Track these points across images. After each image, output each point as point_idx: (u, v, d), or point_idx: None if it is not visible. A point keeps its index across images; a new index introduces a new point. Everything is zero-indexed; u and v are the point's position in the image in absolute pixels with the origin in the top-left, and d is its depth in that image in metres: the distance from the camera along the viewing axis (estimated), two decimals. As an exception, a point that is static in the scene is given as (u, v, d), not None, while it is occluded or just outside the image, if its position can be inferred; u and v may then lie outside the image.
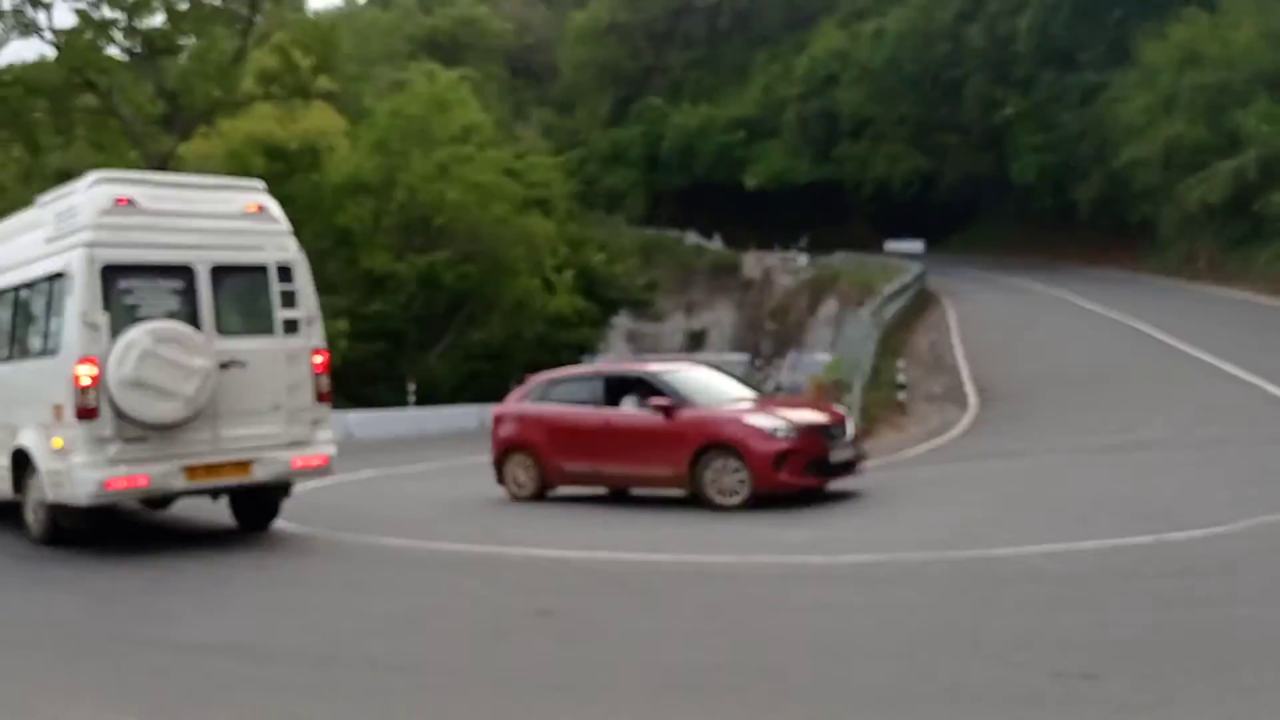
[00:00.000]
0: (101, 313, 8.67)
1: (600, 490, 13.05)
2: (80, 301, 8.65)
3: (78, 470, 8.69)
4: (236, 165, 31.01)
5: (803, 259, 61.25)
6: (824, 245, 65.55)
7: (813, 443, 11.54)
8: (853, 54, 61.54)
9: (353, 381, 30.72)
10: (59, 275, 9.00)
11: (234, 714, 5.21)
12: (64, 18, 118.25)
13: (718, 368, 15.14)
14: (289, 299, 9.65)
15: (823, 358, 43.34)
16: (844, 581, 7.86)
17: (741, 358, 63.46)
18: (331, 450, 9.92)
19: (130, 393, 8.60)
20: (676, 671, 5.66)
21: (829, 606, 7.02)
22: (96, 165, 30.53)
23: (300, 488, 10.79)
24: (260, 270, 9.58)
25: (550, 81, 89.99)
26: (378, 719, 5.07)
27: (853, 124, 62.46)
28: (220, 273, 9.33)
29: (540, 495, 13.02)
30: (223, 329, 9.26)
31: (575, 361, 50.78)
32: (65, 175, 31.84)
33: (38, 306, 9.56)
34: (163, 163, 31.48)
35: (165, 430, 8.87)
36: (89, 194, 9.12)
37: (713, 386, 12.91)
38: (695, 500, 11.62)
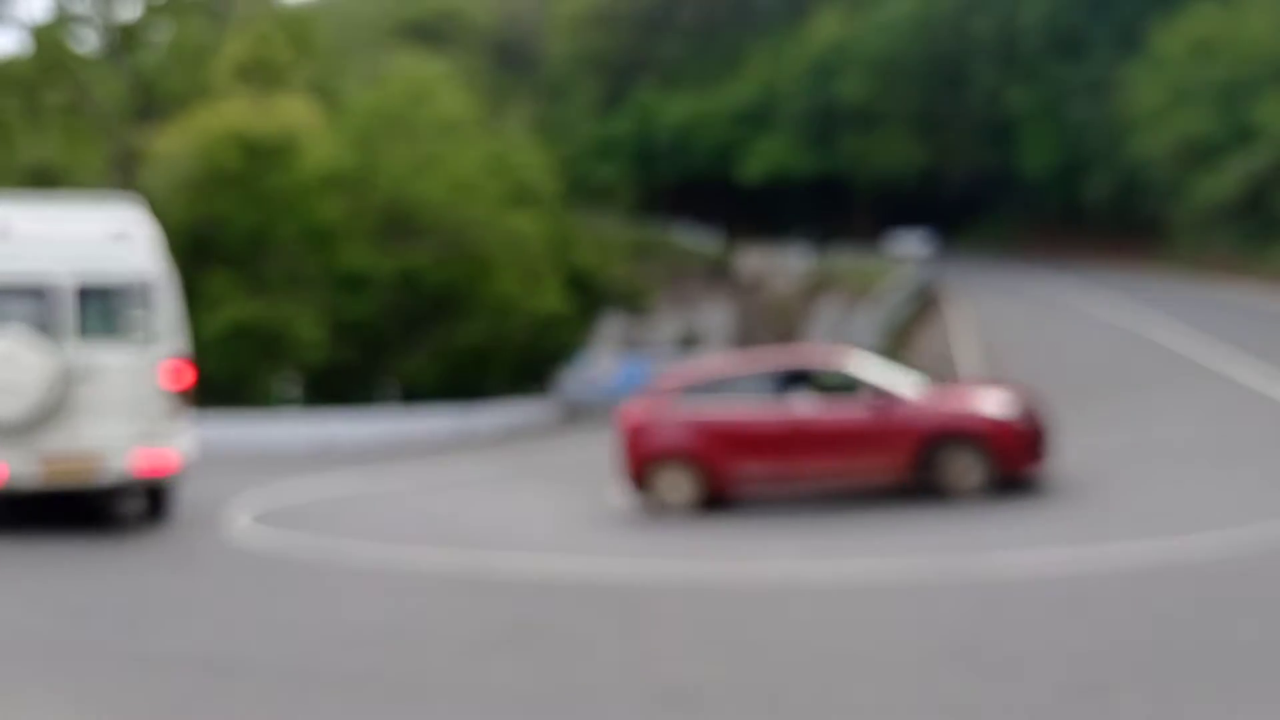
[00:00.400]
0: None
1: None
2: None
3: None
4: (210, 159, 30.93)
5: (801, 256, 61.34)
6: (824, 241, 65.70)
7: (1033, 424, 11.94)
8: (854, 44, 61.61)
9: (332, 383, 30.68)
10: None
11: (206, 732, 5.22)
12: (38, 10, 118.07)
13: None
14: (144, 312, 10.73)
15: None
16: (842, 594, 7.87)
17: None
18: (182, 450, 10.96)
19: None
20: (664, 687, 5.66)
21: (827, 621, 7.03)
22: (70, 159, 30.67)
23: (282, 499, 10.83)
24: (119, 286, 10.71)
25: (537, 72, 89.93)
26: (356, 737, 5.08)
27: (854, 116, 62.49)
28: (83, 289, 10.55)
29: (706, 505, 12.24)
30: (83, 339, 10.48)
31: (563, 363, 50.98)
32: (38, 169, 31.89)
33: None
34: (136, 155, 31.46)
35: (19, 427, 10.06)
36: None
37: (884, 373, 12.89)
38: (923, 490, 11.62)
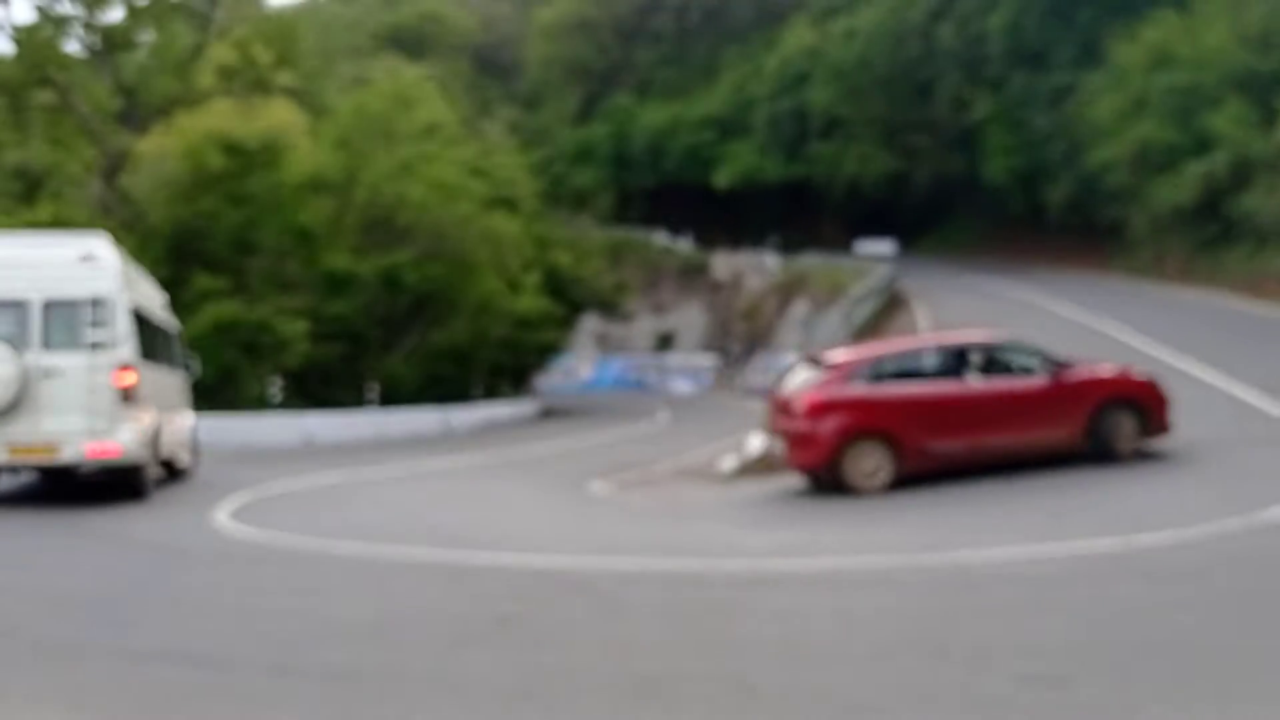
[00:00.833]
0: None
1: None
2: None
3: None
4: (194, 162, 30.69)
5: (773, 259, 61.53)
6: (794, 245, 65.91)
7: (1162, 394, 12.90)
8: (823, 52, 61.84)
9: (313, 383, 30.52)
10: None
11: (188, 725, 5.17)
12: (22, 13, 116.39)
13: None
14: (98, 325, 12.35)
15: (793, 359, 43.59)
16: (812, 586, 7.90)
17: (711, 359, 63.72)
18: (124, 442, 12.44)
19: None
20: (642, 679, 5.66)
21: (797, 612, 7.04)
22: (54, 162, 30.35)
23: (264, 493, 10.78)
24: (79, 302, 12.35)
25: (517, 78, 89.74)
26: (337, 729, 5.05)
27: (823, 123, 62.75)
28: (50, 305, 12.30)
29: (897, 483, 12.27)
30: (47, 346, 12.22)
31: (542, 364, 50.94)
32: (22, 172, 31.54)
33: None
34: (120, 159, 31.16)
35: None
36: None
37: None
38: (1093, 456, 12.39)
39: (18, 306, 12.20)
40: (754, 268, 63.62)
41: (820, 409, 12.40)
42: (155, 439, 13.53)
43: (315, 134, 36.86)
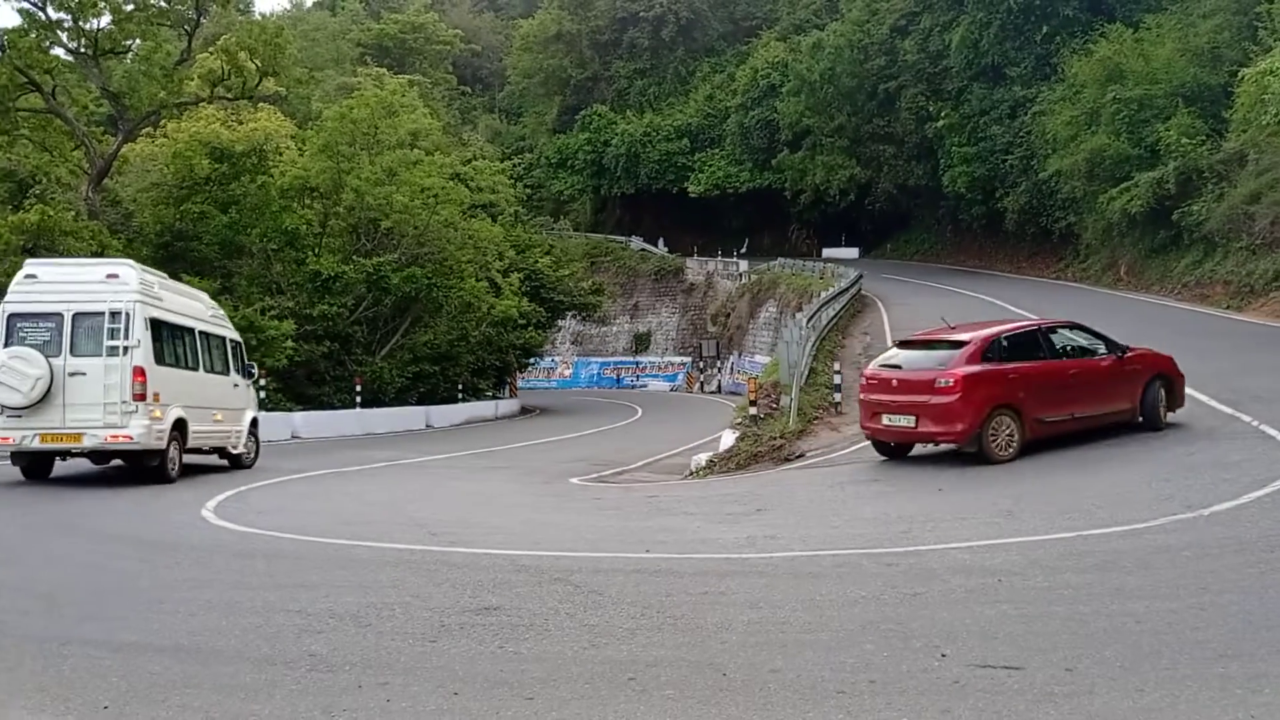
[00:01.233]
0: (2, 344, 13.96)
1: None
2: None
3: None
4: (181, 166, 30.47)
5: (743, 264, 61.66)
6: (764, 251, 66.09)
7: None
8: (792, 66, 62.01)
9: (299, 382, 30.35)
10: None
11: (174, 714, 5.12)
12: (8, 18, 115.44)
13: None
14: (115, 333, 14.02)
15: (762, 360, 43.71)
16: (780, 577, 7.92)
17: (684, 359, 63.84)
18: (135, 432, 14.00)
19: None
20: (617, 665, 5.66)
21: (766, 602, 7.06)
22: (40, 166, 30.03)
23: (249, 488, 10.67)
24: (103, 314, 14.07)
25: (497, 88, 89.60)
26: (319, 718, 5.01)
27: (792, 134, 62.92)
28: (77, 316, 14.09)
29: (1021, 453, 12.99)
30: (75, 352, 14.01)
31: (522, 363, 50.84)
32: (8, 175, 31.19)
33: None
34: (108, 164, 30.86)
35: (20, 411, 13.83)
36: (18, 274, 14.77)
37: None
38: (1142, 425, 13.92)
39: (53, 318, 14.11)
40: (725, 272, 63.74)
41: (967, 384, 12.94)
42: (175, 431, 14.86)
43: (301, 140, 36.68)
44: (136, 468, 14.65)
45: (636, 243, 71.81)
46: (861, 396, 14.48)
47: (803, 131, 62.11)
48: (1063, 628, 6.00)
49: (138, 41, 32.08)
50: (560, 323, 59.35)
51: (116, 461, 15.04)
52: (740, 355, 54.85)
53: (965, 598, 6.84)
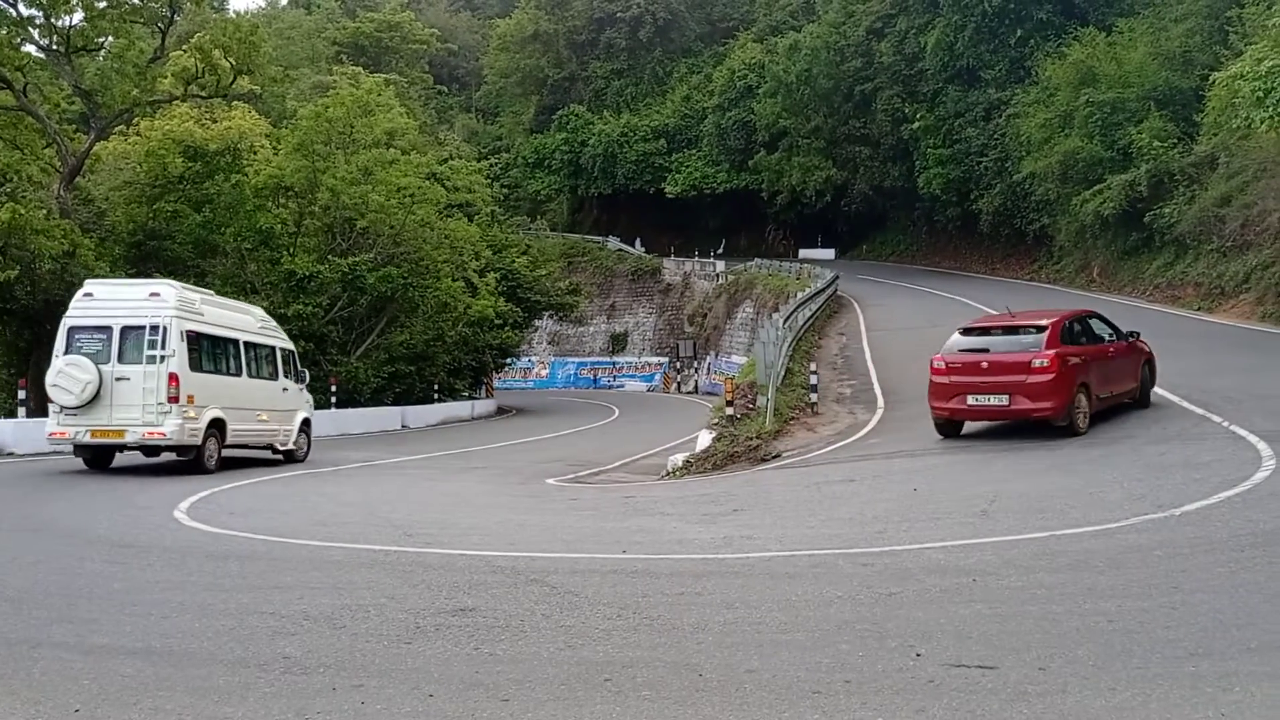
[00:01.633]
0: (63, 351, 16.14)
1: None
2: (58, 345, 16.33)
3: (46, 426, 16.55)
4: (154, 165, 30.20)
5: (720, 265, 61.78)
6: (741, 252, 66.27)
7: None
8: (769, 67, 62.20)
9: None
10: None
11: (146, 717, 5.07)
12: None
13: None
14: (154, 343, 15.94)
15: (739, 360, 43.81)
16: (756, 577, 7.93)
17: (661, 360, 63.88)
18: (169, 430, 15.89)
19: (54, 389, 15.96)
20: (593, 666, 5.65)
21: (742, 602, 7.07)
22: (11, 164, 29.65)
23: (222, 489, 10.56)
24: (144, 328, 15.98)
25: (474, 88, 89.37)
26: (293, 720, 4.98)
27: (768, 135, 63.11)
28: (125, 329, 16.06)
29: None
30: (121, 360, 15.99)
31: (500, 365, 50.73)
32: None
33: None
34: (80, 162, 30.53)
35: (75, 410, 15.87)
36: (79, 293, 16.92)
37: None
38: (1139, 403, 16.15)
39: (104, 330, 16.10)
40: (701, 273, 63.83)
41: (1059, 363, 14.43)
42: (212, 429, 16.79)
43: (276, 139, 36.45)
44: (182, 460, 16.74)
45: (613, 243, 71.84)
46: (937, 380, 15.44)
47: (779, 133, 62.31)
48: (1036, 627, 6.04)
49: (110, 39, 31.70)
50: (537, 323, 59.28)
51: (168, 455, 17.04)
52: (717, 356, 54.96)
53: (940, 597, 6.87)
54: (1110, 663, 5.33)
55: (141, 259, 30.05)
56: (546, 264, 54.34)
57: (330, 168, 32.56)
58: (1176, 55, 37.36)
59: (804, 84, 58.25)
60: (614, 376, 65.03)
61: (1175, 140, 34.93)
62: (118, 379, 15.89)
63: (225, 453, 17.37)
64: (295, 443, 19.75)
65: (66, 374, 15.84)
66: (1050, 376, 14.35)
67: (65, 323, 16.39)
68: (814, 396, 21.63)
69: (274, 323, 20.32)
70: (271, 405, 18.89)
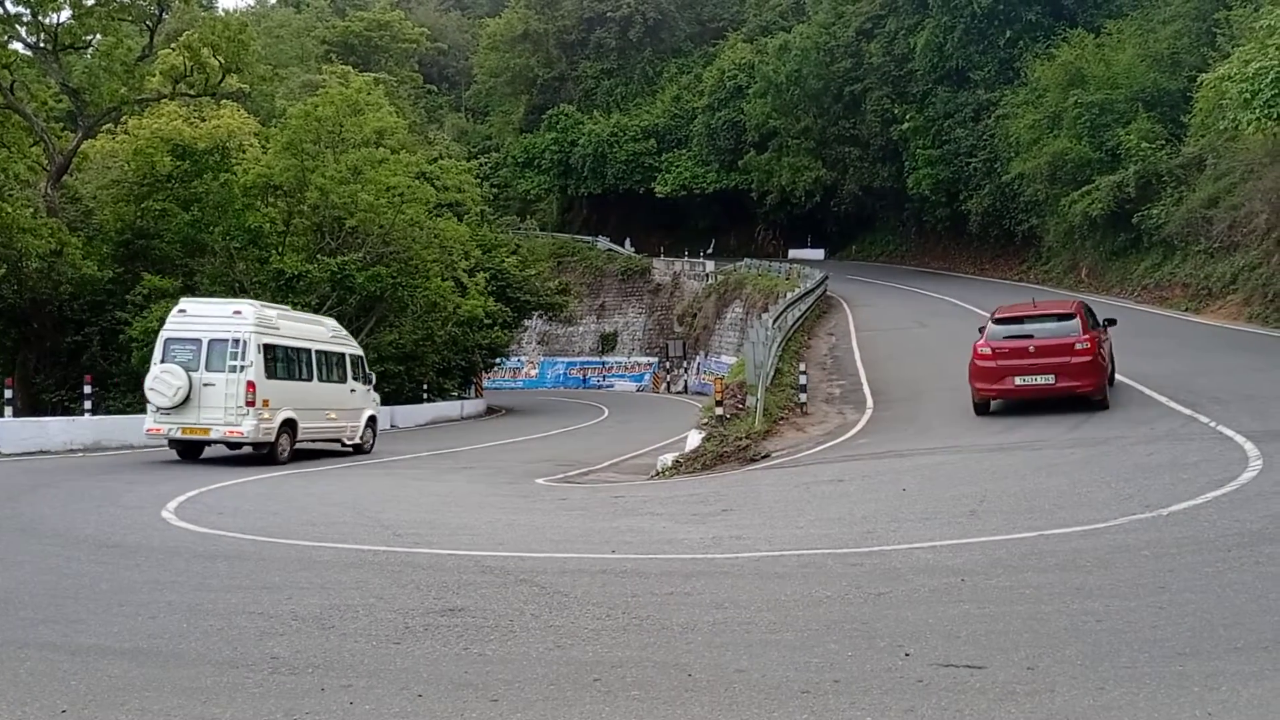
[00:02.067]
0: (159, 359, 18.46)
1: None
2: (156, 354, 18.68)
3: (144, 424, 18.79)
4: (142, 163, 30.07)
5: (710, 265, 61.79)
6: (730, 252, 66.29)
7: None
8: (759, 67, 62.22)
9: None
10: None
11: (134, 717, 5.06)
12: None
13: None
14: (236, 354, 18.20)
15: (728, 360, 43.82)
16: (745, 577, 7.94)
17: (651, 360, 63.88)
18: (245, 429, 18.13)
19: (151, 392, 18.22)
20: (582, 666, 5.65)
21: (731, 602, 7.08)
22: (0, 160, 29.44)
23: (211, 488, 10.49)
24: (227, 341, 18.25)
25: (464, 87, 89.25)
26: (282, 720, 4.97)
27: (758, 135, 63.12)
28: (211, 342, 18.30)
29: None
30: (208, 368, 18.22)
31: (489, 365, 50.66)
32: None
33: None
34: (68, 160, 30.39)
35: (169, 410, 18.11)
36: (174, 309, 19.32)
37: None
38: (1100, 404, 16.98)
39: (195, 342, 18.37)
40: (691, 273, 63.84)
41: (1096, 346, 16.59)
42: (285, 427, 18.99)
43: (265, 138, 36.30)
44: (259, 453, 18.82)
45: (603, 243, 71.79)
46: (983, 365, 17.12)
47: (769, 133, 62.34)
48: (1024, 627, 6.06)
49: (98, 37, 31.59)
50: (526, 323, 59.19)
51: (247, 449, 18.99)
52: (706, 356, 54.98)
53: (929, 597, 6.89)
54: (1098, 662, 5.35)
55: (129, 258, 29.90)
56: (536, 264, 54.24)
57: (319, 167, 32.41)
58: (1164, 57, 37.51)
59: (794, 84, 58.28)
60: (603, 376, 64.99)
61: (1163, 141, 35.08)
62: (205, 384, 18.19)
63: (299, 446, 19.77)
64: (361, 437, 22.09)
65: (162, 379, 18.12)
66: (1090, 358, 16.42)
67: (162, 335, 18.80)
68: (803, 396, 21.66)
69: (345, 332, 22.97)
70: (340, 405, 21.32)
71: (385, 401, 34.46)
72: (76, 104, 31.34)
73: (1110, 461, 12.39)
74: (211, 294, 29.21)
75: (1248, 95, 21.80)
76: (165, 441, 18.82)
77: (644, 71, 75.05)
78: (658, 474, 17.03)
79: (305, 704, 5.15)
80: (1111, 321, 18.37)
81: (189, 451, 19.10)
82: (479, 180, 50.26)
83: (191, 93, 32.85)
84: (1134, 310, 31.54)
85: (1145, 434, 14.09)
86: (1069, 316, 17.22)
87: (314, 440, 20.54)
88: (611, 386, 62.98)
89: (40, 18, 30.19)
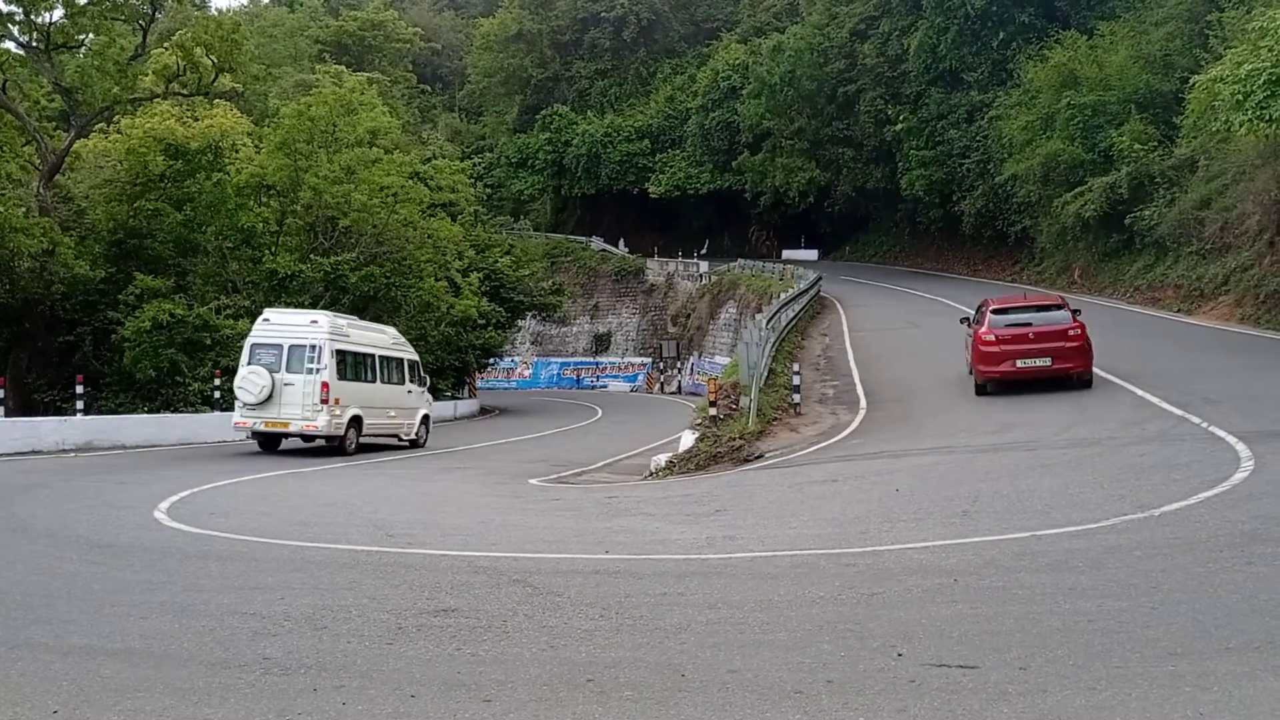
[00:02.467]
0: (246, 362, 20.81)
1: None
2: (243, 357, 21.04)
3: (232, 418, 21.33)
4: (135, 162, 29.98)
5: (704, 265, 61.80)
6: (724, 253, 66.32)
7: None
8: (752, 68, 62.26)
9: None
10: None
11: (126, 718, 5.05)
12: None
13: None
14: (312, 359, 20.58)
15: (722, 361, 43.84)
16: (739, 577, 7.94)
17: (645, 360, 63.87)
18: (319, 424, 20.48)
19: (239, 390, 20.56)
20: (575, 666, 5.65)
21: (724, 602, 7.08)
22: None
23: (203, 489, 10.48)
24: (305, 347, 20.63)
25: (458, 87, 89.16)
26: (274, 721, 4.96)
27: (752, 136, 63.15)
28: (291, 347, 20.66)
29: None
30: (289, 370, 20.49)
31: (483, 365, 50.60)
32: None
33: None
34: (60, 160, 30.29)
35: (254, 406, 20.41)
36: (259, 318, 21.73)
37: None
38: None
39: (277, 347, 20.73)
40: (685, 273, 63.85)
41: (1084, 332, 18.90)
42: (351, 424, 21.27)
43: (258, 138, 36.22)
44: (330, 445, 21.12)
45: (597, 243, 71.77)
46: (987, 349, 19.30)
47: (763, 134, 62.37)
48: (1017, 627, 6.06)
49: (91, 36, 31.48)
50: (520, 323, 59.15)
51: (319, 441, 21.16)
52: (700, 356, 54.99)
53: (922, 598, 6.90)
54: (1090, 662, 5.36)
55: (121, 257, 29.81)
56: (530, 264, 54.20)
57: (313, 167, 32.36)
58: (1157, 58, 37.60)
59: (787, 85, 58.32)
60: (597, 377, 64.96)
61: (1155, 143, 35.17)
62: (285, 384, 20.47)
63: (363, 440, 22.10)
64: (416, 433, 24.37)
65: (249, 379, 20.44)
66: (1080, 342, 18.81)
67: (249, 340, 21.20)
68: (797, 397, 21.67)
69: (404, 339, 25.34)
70: (398, 404, 23.69)
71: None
72: (69, 103, 31.24)
73: (1102, 462, 12.41)
74: (204, 293, 29.32)
75: (1240, 97, 21.85)
76: (249, 433, 21.11)
77: (638, 72, 75.04)
78: (651, 474, 17.03)
79: (298, 704, 5.15)
80: (1077, 312, 19.77)
81: (269, 443, 21.35)
82: (473, 180, 50.21)
83: (184, 92, 32.73)
84: (1126, 311, 31.65)
85: (1137, 434, 14.12)
86: (1059, 307, 19.79)
87: (376, 435, 22.85)
88: (605, 387, 62.96)
89: (33, 16, 30.07)
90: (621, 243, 71.76)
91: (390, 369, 23.48)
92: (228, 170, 32.13)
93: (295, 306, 31.14)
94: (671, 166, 69.14)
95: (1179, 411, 15.43)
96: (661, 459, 17.71)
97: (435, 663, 5.80)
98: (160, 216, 30.12)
